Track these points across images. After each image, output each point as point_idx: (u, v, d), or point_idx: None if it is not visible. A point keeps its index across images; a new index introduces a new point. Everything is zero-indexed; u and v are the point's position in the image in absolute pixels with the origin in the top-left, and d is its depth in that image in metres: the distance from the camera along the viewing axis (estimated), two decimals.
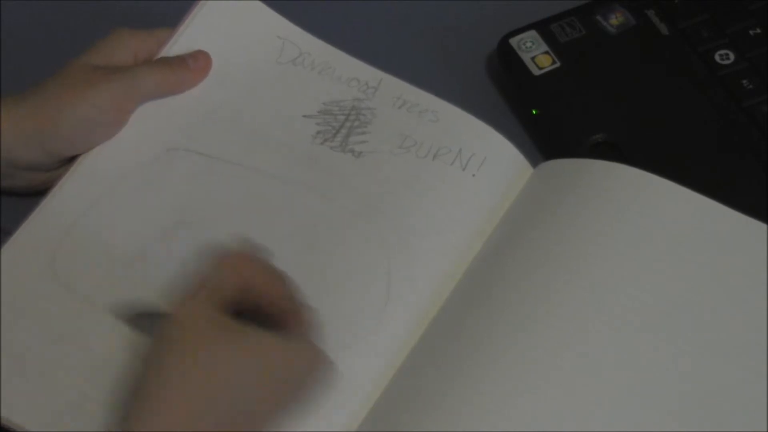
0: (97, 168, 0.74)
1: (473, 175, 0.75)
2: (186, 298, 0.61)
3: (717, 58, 0.82)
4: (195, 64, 0.77)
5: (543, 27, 0.84)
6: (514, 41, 0.84)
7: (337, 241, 0.72)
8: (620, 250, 0.70)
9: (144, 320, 0.66)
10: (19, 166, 0.73)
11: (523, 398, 0.65)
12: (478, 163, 0.75)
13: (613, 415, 0.65)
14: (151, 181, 0.74)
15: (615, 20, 0.85)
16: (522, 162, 0.77)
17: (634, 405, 0.66)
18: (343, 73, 0.79)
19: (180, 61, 0.77)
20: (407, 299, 0.70)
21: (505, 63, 0.84)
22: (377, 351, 0.69)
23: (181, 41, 0.78)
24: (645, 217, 0.72)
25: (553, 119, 0.81)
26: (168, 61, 0.77)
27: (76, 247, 0.71)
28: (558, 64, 0.83)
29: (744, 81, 0.81)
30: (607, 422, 0.65)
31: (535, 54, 0.83)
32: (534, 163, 0.77)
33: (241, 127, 0.76)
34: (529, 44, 0.84)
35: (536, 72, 0.82)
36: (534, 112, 0.81)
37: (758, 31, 0.83)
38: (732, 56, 0.82)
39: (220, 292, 0.62)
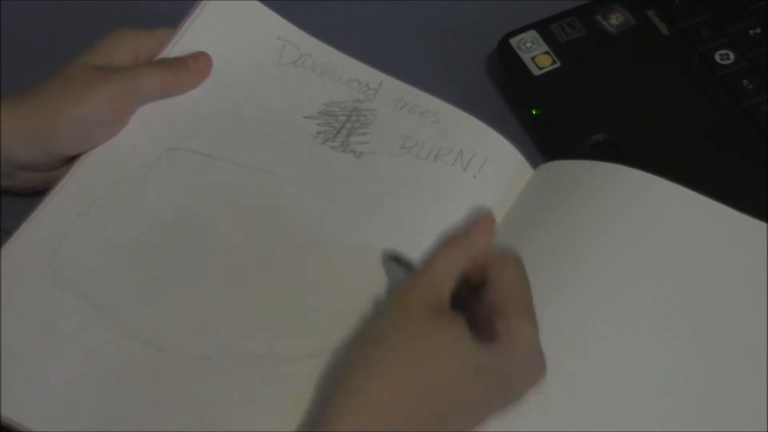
0: (97, 168, 0.74)
1: (474, 176, 0.75)
2: (410, 283, 0.63)
3: (717, 58, 0.82)
4: (195, 65, 0.77)
5: (543, 27, 0.84)
6: (514, 41, 0.84)
7: (338, 241, 0.72)
8: (621, 251, 0.70)
9: (395, 264, 0.68)
10: (19, 165, 0.73)
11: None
12: (479, 164, 0.75)
13: (613, 415, 0.65)
14: (151, 181, 0.74)
15: (615, 20, 0.85)
16: (522, 163, 0.77)
17: (634, 405, 0.66)
18: (344, 75, 0.79)
19: (180, 62, 0.77)
20: None
21: (505, 63, 0.84)
22: None
23: (182, 42, 0.78)
24: (645, 217, 0.72)
25: (553, 119, 0.81)
26: (168, 62, 0.76)
27: (76, 247, 0.71)
28: (558, 64, 0.83)
29: (744, 81, 0.81)
30: (607, 422, 0.65)
31: (535, 54, 0.83)
32: (534, 163, 0.77)
33: (241, 128, 0.76)
34: (529, 44, 0.84)
35: (536, 72, 0.82)
36: (534, 112, 0.81)
37: (758, 31, 0.83)
38: (732, 56, 0.82)
39: (441, 278, 0.63)
